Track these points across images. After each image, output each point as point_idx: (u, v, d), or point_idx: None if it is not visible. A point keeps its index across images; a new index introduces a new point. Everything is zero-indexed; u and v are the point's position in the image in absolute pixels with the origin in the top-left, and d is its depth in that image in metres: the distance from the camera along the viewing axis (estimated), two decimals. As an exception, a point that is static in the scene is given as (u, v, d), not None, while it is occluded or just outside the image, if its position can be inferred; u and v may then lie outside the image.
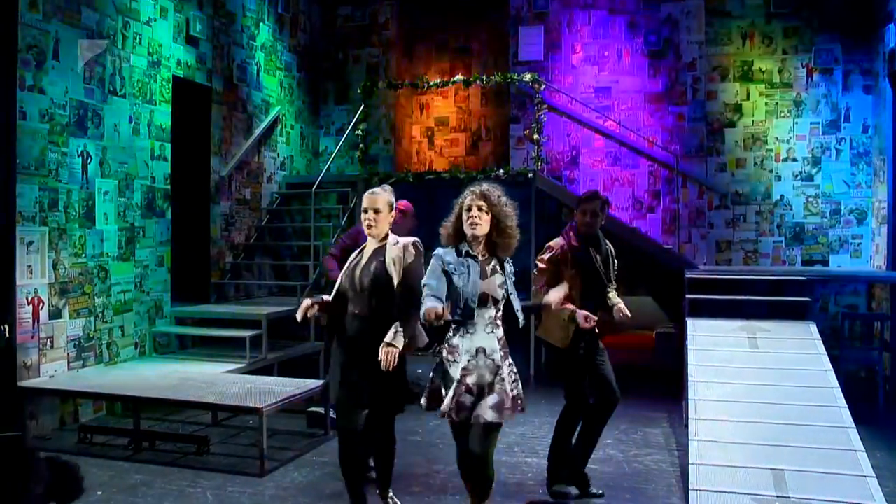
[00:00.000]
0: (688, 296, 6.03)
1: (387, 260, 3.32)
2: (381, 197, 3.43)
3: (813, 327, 5.30)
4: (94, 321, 5.87)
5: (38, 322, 5.32)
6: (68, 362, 5.61)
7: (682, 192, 8.46)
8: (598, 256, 3.92)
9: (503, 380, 3.02)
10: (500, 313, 3.08)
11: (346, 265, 3.43)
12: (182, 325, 6.86)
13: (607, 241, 4.05)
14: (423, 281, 3.10)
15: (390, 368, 3.11)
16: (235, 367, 5.98)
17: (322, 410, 5.34)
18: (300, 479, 4.39)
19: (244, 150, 7.99)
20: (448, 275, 3.07)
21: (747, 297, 5.92)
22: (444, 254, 3.16)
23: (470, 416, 2.97)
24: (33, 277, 5.29)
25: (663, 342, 7.87)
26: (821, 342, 5.06)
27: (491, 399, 2.97)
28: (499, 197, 3.13)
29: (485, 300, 3.04)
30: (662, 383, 6.96)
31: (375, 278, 3.28)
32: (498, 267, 3.12)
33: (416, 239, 3.48)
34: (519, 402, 3.10)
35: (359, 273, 3.34)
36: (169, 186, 6.75)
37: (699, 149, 8.56)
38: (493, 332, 3.04)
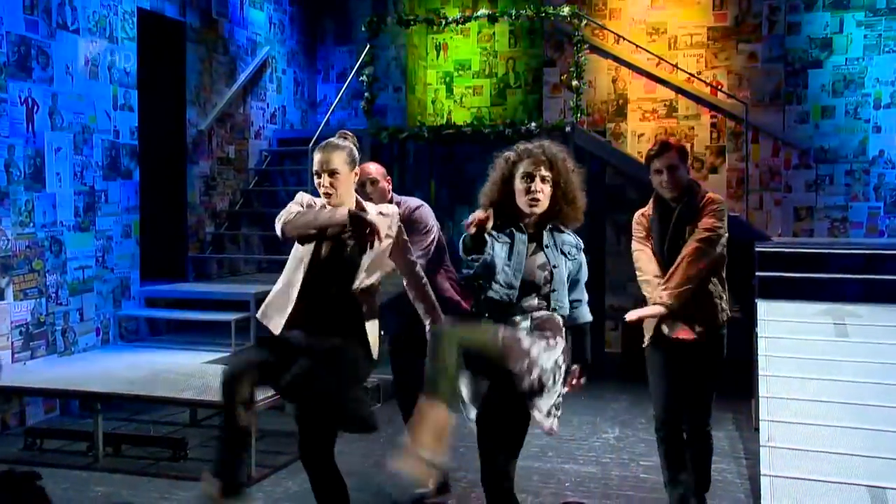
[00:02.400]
0: (758, 273, 5.99)
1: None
2: (336, 152, 2.93)
3: (920, 312, 5.15)
4: (45, 303, 5.83)
5: (-26, 305, 5.31)
6: (13, 353, 5.58)
7: (753, 148, 8.28)
8: (671, 227, 3.51)
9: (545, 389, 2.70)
10: (551, 308, 2.80)
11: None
12: (153, 307, 6.87)
13: (713, 206, 3.50)
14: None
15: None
16: (218, 357, 5.97)
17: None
18: (294, 487, 4.35)
19: (226, 100, 7.97)
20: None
21: (833, 276, 5.88)
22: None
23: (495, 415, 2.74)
24: (-31, 251, 5.27)
25: (728, 328, 7.75)
26: (930, 331, 4.92)
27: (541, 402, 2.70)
28: (564, 160, 2.85)
29: (524, 285, 2.79)
30: (727, 378, 6.84)
31: (345, 266, 2.91)
32: (548, 242, 2.84)
33: (420, 204, 3.17)
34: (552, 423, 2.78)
35: (326, 247, 2.96)
36: (136, 142, 6.72)
37: (775, 95, 8.37)
38: (534, 332, 2.75)
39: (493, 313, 2.80)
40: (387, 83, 9.37)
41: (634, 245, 3.66)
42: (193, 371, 5.36)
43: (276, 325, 2.97)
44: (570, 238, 2.92)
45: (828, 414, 4.21)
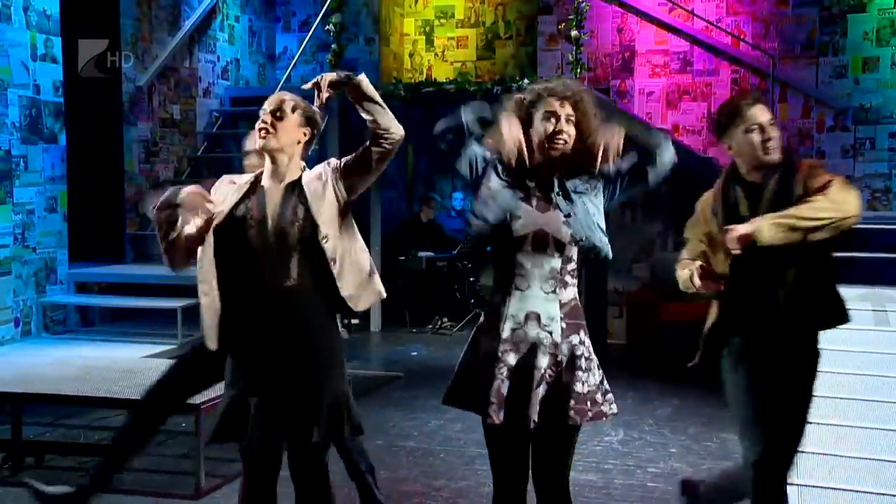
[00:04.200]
0: None
1: (311, 201, 2.88)
2: (289, 99, 2.94)
3: (975, 298, 5.14)
4: (-48, 289, 5.84)
5: None
6: (-85, 346, 5.60)
7: (780, 107, 8.30)
8: (756, 201, 3.05)
9: (562, 365, 2.76)
10: (570, 265, 2.83)
11: (229, 205, 2.94)
12: (85, 293, 6.84)
13: (818, 171, 3.06)
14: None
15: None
16: (161, 350, 5.96)
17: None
18: None
19: (169, 52, 7.95)
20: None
21: (873, 255, 5.82)
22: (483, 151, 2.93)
23: (520, 419, 2.71)
24: None
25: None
26: None
27: (543, 392, 2.73)
28: (591, 101, 2.88)
29: (542, 244, 2.80)
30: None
31: (303, 229, 2.86)
32: (563, 193, 2.86)
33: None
34: (599, 405, 2.78)
35: (273, 221, 2.89)
36: (62, 99, 6.64)
37: (807, 46, 8.38)
38: (554, 291, 2.80)
39: (506, 291, 2.82)
40: (357, 33, 9.38)
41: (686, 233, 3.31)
42: (132, 367, 5.27)
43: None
44: (578, 178, 2.88)
45: (864, 414, 4.20)
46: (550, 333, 2.76)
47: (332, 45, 8.14)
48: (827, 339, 4.82)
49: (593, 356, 2.82)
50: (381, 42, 9.54)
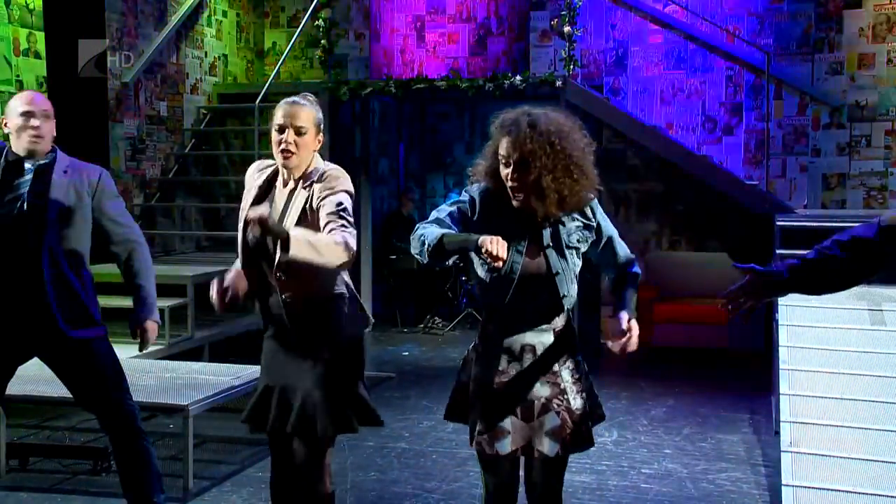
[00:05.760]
0: (779, 251, 6.04)
1: (291, 208, 2.94)
2: (305, 109, 2.93)
3: (971, 298, 5.16)
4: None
5: None
6: None
7: (775, 105, 8.33)
8: None
9: (564, 393, 2.74)
10: (563, 296, 2.74)
11: (248, 203, 3.05)
12: None
13: None
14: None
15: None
16: (148, 350, 5.83)
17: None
18: (239, 502, 4.34)
19: (156, 47, 7.92)
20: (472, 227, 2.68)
21: None
22: (477, 192, 2.75)
23: (515, 450, 2.69)
24: None
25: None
26: (983, 319, 4.96)
27: (549, 421, 2.70)
28: (548, 134, 2.59)
29: (531, 285, 2.71)
30: (742, 372, 7.00)
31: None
32: (549, 241, 2.71)
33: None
34: (589, 428, 2.80)
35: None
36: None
37: (803, 42, 8.39)
38: (548, 321, 2.76)
39: (499, 325, 2.77)
40: (347, 29, 9.33)
41: None
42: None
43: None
44: (574, 223, 2.75)
45: (860, 415, 4.21)
46: (547, 363, 2.73)
47: (322, 41, 8.13)
48: (821, 340, 4.86)
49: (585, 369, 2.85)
50: (371, 38, 9.51)
